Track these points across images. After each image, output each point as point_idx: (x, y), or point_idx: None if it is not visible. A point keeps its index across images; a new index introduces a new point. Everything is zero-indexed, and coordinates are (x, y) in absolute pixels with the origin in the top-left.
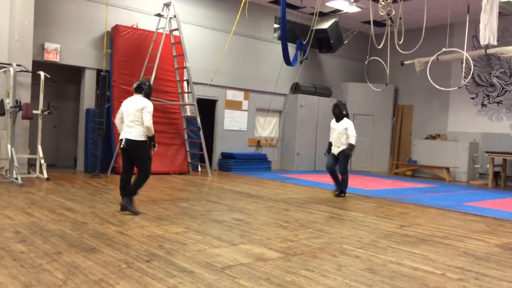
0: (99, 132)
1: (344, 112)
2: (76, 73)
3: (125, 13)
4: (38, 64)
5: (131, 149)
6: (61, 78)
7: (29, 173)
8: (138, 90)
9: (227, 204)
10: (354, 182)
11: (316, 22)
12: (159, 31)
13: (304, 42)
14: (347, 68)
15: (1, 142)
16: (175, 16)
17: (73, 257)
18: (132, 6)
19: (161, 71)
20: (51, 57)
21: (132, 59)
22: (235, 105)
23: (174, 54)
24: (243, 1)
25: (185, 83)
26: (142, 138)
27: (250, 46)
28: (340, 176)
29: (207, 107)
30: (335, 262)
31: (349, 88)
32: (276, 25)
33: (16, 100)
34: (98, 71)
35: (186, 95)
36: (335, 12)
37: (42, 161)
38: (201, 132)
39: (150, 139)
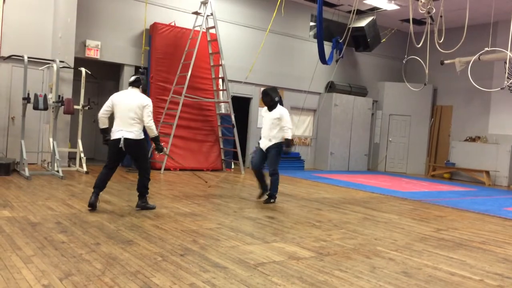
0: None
1: (277, 99)
2: (115, 69)
3: (163, 11)
4: (80, 61)
5: (132, 149)
6: (100, 74)
7: (69, 166)
8: (136, 84)
9: (260, 202)
10: (389, 183)
11: (353, 20)
12: (196, 28)
13: (341, 41)
14: (384, 67)
15: (43, 136)
16: (212, 14)
17: (111, 248)
18: (170, 4)
19: (197, 69)
20: (92, 54)
21: (169, 56)
22: None
23: (210, 51)
24: None
25: (220, 81)
26: (142, 136)
27: (286, 44)
28: (268, 178)
29: (241, 105)
30: (369, 264)
31: (385, 87)
32: (312, 23)
33: (59, 96)
34: (137, 68)
35: (221, 92)
36: (373, 10)
37: (82, 155)
38: (235, 130)
39: (154, 140)
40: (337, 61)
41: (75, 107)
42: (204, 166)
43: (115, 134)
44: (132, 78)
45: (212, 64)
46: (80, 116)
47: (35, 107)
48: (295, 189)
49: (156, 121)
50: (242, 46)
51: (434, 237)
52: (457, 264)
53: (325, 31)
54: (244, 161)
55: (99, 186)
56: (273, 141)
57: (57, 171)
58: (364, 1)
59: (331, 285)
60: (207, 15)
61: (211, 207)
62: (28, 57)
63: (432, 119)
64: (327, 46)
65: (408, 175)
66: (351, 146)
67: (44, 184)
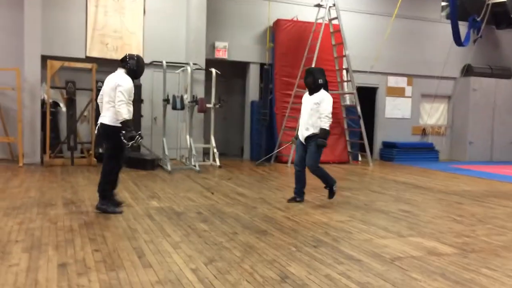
0: (263, 123)
1: (320, 82)
2: (241, 68)
3: (285, 7)
4: (210, 62)
5: (103, 136)
6: (228, 73)
7: (204, 161)
8: (122, 63)
9: (392, 195)
10: None
11: None
12: (318, 21)
13: (478, 19)
14: None
15: (181, 133)
16: (334, 5)
17: (247, 238)
18: None
19: (320, 61)
20: (220, 54)
21: (292, 51)
22: (398, 92)
23: (333, 43)
24: None
25: (344, 72)
26: (116, 123)
27: (414, 28)
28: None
29: (367, 95)
30: None
31: None
32: (443, 3)
33: (193, 96)
34: (262, 65)
35: (345, 83)
36: None
37: (215, 150)
38: (361, 121)
39: (122, 126)
40: (474, 41)
41: (207, 105)
42: (330, 158)
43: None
44: (122, 57)
45: (335, 55)
46: (212, 114)
47: (174, 108)
48: (430, 182)
49: (282, 115)
50: (366, 35)
51: None
52: None
53: (460, 10)
54: (371, 153)
55: (102, 195)
56: (311, 131)
57: (194, 166)
58: None
59: (479, 284)
60: (329, 6)
61: (340, 200)
62: (166, 62)
63: None
64: (462, 27)
65: None
66: (494, 134)
67: (184, 178)
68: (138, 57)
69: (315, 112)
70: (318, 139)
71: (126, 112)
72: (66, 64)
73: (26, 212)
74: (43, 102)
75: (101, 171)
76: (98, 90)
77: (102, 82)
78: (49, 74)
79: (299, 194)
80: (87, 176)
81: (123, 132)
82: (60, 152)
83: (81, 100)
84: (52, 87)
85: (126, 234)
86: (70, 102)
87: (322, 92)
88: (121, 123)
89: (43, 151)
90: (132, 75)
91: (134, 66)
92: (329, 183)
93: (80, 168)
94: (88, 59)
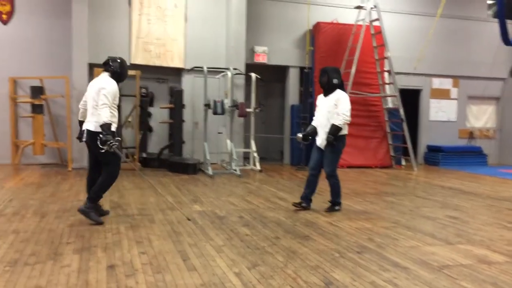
0: (303, 127)
1: (335, 82)
2: (281, 72)
3: (325, 10)
4: (249, 66)
5: (92, 143)
6: (268, 78)
7: (244, 165)
8: (104, 67)
9: (438, 201)
10: None
11: None
12: (358, 23)
13: None
14: None
15: (222, 138)
16: (375, 6)
17: (289, 242)
18: (332, 2)
19: (361, 63)
20: (260, 59)
21: (332, 54)
22: (442, 94)
23: (374, 45)
24: None
25: (386, 74)
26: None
27: (459, 27)
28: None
29: (409, 98)
30: None
31: None
32: (490, 1)
33: (233, 100)
34: (301, 69)
35: (387, 86)
36: None
37: (255, 155)
38: (404, 124)
39: (101, 128)
40: None
41: (247, 110)
42: (372, 163)
43: (83, 127)
44: (104, 60)
45: (377, 57)
46: (252, 118)
47: (214, 112)
48: (478, 187)
49: None
50: (408, 35)
51: None
52: None
53: (507, 8)
54: (415, 157)
55: (92, 198)
56: (333, 137)
57: (235, 170)
58: None
59: None
60: (371, 8)
61: (384, 205)
62: (207, 68)
63: None
64: (511, 25)
65: None
66: None
67: (225, 182)
68: (121, 59)
69: (333, 114)
70: (327, 135)
71: (107, 115)
72: None
73: (76, 214)
74: None
75: (101, 177)
76: (142, 96)
77: (146, 89)
78: None
79: (305, 200)
80: (132, 180)
81: (100, 136)
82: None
83: (126, 106)
84: None
85: (170, 237)
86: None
87: (338, 91)
88: (100, 126)
89: None
90: (116, 78)
91: (117, 69)
92: (336, 199)
93: (125, 172)
94: (132, 66)
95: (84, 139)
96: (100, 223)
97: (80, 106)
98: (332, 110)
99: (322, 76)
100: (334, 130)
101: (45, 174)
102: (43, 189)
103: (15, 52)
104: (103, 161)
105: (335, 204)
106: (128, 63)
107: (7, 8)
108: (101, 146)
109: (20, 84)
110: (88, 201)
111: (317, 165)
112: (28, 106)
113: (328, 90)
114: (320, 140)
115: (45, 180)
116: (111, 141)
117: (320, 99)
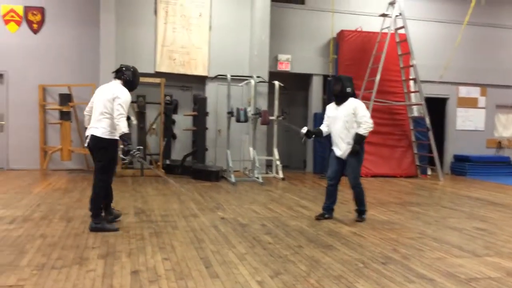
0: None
1: (349, 90)
2: (304, 80)
3: (349, 18)
4: (272, 74)
5: (94, 148)
6: (291, 86)
7: (267, 173)
8: (117, 74)
9: (465, 211)
10: None
11: None
12: (383, 31)
13: None
14: None
15: (244, 146)
16: (400, 14)
17: (312, 251)
18: (356, 10)
19: (386, 72)
20: (283, 67)
21: (356, 62)
22: (470, 103)
23: (399, 53)
24: None
25: (411, 82)
26: (111, 136)
27: (487, 35)
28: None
29: (435, 106)
30: None
31: None
32: None
33: (256, 108)
34: (325, 77)
35: (412, 94)
36: None
37: (278, 163)
38: (430, 133)
39: (121, 139)
40: None
41: (270, 118)
42: (397, 172)
43: (86, 132)
44: (117, 68)
45: (401, 65)
46: (275, 126)
47: (237, 120)
48: (507, 198)
49: None
50: (434, 43)
51: None
52: None
53: None
54: (442, 167)
55: (106, 204)
56: (359, 146)
57: (257, 178)
58: None
59: None
60: (396, 16)
61: (409, 216)
62: (231, 76)
63: None
64: None
65: None
66: None
67: (247, 189)
68: (134, 68)
69: (351, 123)
70: (353, 145)
71: (125, 125)
72: None
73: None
74: None
75: (92, 186)
76: (167, 104)
77: (170, 96)
78: None
79: (328, 210)
80: (156, 187)
81: (121, 146)
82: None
83: (150, 114)
84: None
85: (193, 244)
86: (141, 116)
87: (352, 100)
88: (120, 137)
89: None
90: (128, 87)
91: (130, 77)
92: (362, 208)
93: (149, 179)
94: (157, 74)
95: (87, 144)
96: (116, 230)
97: (85, 113)
98: (350, 119)
99: (336, 84)
100: (360, 139)
101: (72, 180)
102: (69, 194)
103: (45, 60)
104: (96, 168)
105: (362, 212)
106: (153, 71)
107: (38, 18)
108: (123, 157)
109: (49, 92)
110: (93, 218)
111: (336, 175)
112: (57, 113)
113: (341, 98)
114: (341, 151)
115: (71, 186)
116: (134, 150)
117: (332, 109)
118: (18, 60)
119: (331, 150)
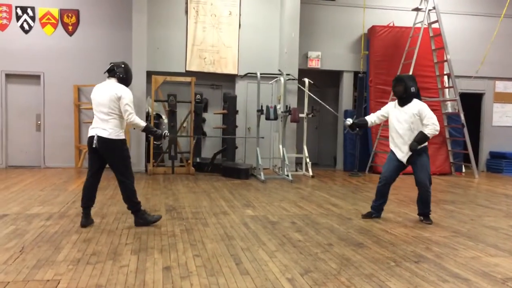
0: (357, 132)
1: (413, 90)
2: (334, 76)
3: (380, 13)
4: (302, 72)
5: (105, 150)
6: (321, 83)
7: (296, 170)
8: (110, 73)
9: (502, 210)
10: None
11: None
12: (416, 25)
13: None
14: None
15: (274, 143)
16: (434, 8)
17: (343, 249)
18: (388, 5)
19: (419, 67)
20: (313, 64)
21: (388, 58)
22: (507, 98)
23: (433, 48)
24: None
25: (445, 78)
26: (120, 137)
27: None
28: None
29: (470, 102)
30: None
31: None
32: None
33: (286, 106)
34: (355, 73)
35: (446, 90)
36: None
37: (307, 160)
38: (465, 130)
39: (146, 132)
40: None
41: (300, 115)
42: (431, 170)
43: (89, 132)
44: (108, 67)
45: (435, 60)
46: (305, 124)
47: (267, 118)
48: None
49: (378, 124)
50: (470, 37)
51: None
52: None
53: None
54: (477, 164)
55: (87, 205)
56: (418, 146)
57: (287, 175)
58: None
59: None
60: (429, 10)
61: (442, 214)
62: (260, 74)
63: None
64: None
65: None
66: None
67: (277, 187)
68: (124, 64)
69: (417, 125)
70: (412, 142)
71: (139, 120)
72: (168, 78)
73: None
74: (147, 115)
75: (120, 189)
76: (197, 102)
77: (200, 95)
78: (153, 89)
79: (377, 210)
80: (186, 184)
81: (150, 136)
82: (162, 161)
83: (181, 112)
84: (156, 101)
85: (223, 241)
86: (172, 114)
87: (416, 102)
88: (143, 130)
89: (147, 160)
90: (124, 83)
91: (123, 74)
92: (427, 210)
93: (179, 177)
94: (187, 73)
95: (94, 145)
96: (159, 218)
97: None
98: (416, 121)
99: (397, 85)
100: (422, 138)
101: (105, 177)
102: (103, 192)
103: (79, 61)
104: (116, 169)
105: (427, 214)
106: (183, 70)
107: (73, 20)
108: (157, 142)
109: (84, 92)
110: (135, 215)
111: (391, 176)
112: (90, 112)
113: (405, 99)
114: (402, 153)
115: (105, 183)
116: (164, 132)
117: (395, 109)
118: (54, 61)
119: (392, 152)
